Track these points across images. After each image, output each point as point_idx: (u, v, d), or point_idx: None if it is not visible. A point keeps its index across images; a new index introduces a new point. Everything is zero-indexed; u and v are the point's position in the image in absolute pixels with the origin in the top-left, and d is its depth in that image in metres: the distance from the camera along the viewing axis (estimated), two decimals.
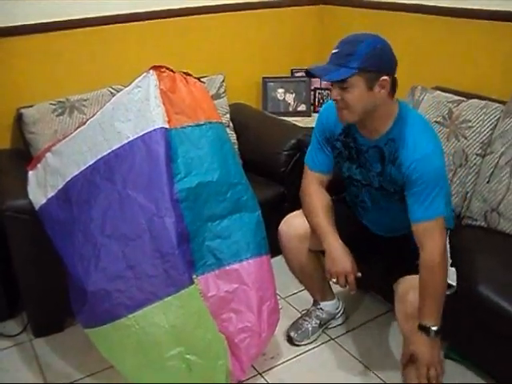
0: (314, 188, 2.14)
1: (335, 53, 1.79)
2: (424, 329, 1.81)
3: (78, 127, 2.32)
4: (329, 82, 1.83)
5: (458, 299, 1.96)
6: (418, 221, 1.84)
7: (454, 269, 1.96)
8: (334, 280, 2.06)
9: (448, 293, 1.91)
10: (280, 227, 2.23)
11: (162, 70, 2.20)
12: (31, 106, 2.65)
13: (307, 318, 2.40)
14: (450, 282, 1.92)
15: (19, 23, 2.67)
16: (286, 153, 2.83)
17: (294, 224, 2.20)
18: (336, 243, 2.04)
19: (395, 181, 1.92)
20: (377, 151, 1.94)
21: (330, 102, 2.07)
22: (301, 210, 2.21)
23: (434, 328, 1.80)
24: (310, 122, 3.21)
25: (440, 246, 1.83)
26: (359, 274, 2.02)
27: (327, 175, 2.15)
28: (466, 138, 2.41)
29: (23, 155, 2.64)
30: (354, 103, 1.79)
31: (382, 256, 2.17)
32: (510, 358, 1.98)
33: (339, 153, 2.08)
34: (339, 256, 2.02)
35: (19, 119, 2.66)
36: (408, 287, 1.91)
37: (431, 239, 1.82)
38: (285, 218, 2.25)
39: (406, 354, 1.88)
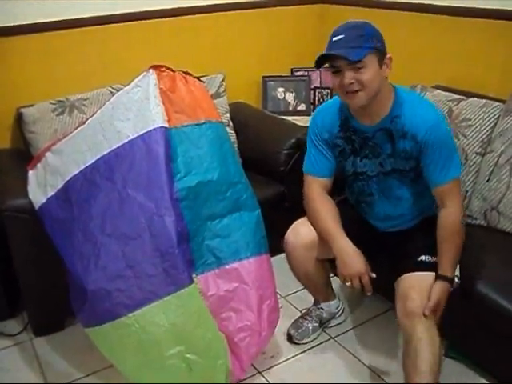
0: (318, 193, 2.12)
1: (341, 39, 1.83)
2: (447, 279, 1.91)
3: (77, 126, 2.32)
4: (351, 61, 1.80)
5: (457, 297, 1.96)
6: (439, 185, 1.95)
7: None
8: (349, 284, 2.02)
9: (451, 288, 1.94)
10: (286, 235, 2.19)
11: (162, 69, 2.20)
12: (31, 106, 2.66)
13: (307, 317, 2.40)
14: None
15: (19, 23, 2.66)
16: (285, 152, 2.84)
17: (300, 233, 2.17)
18: (346, 245, 2.01)
19: (410, 154, 1.96)
20: (384, 132, 1.97)
21: (321, 107, 2.20)
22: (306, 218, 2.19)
23: (457, 280, 1.94)
24: (311, 123, 3.20)
25: (459, 205, 1.97)
26: (373, 275, 2.00)
27: (329, 179, 2.14)
28: (465, 137, 2.41)
29: (23, 155, 2.64)
30: (370, 82, 1.84)
31: (385, 255, 2.17)
32: (509, 357, 1.99)
33: (341, 150, 2.09)
34: (351, 258, 2.00)
35: (19, 119, 2.66)
36: (409, 286, 1.92)
37: (452, 199, 1.95)
38: (292, 226, 2.21)
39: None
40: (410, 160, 1.98)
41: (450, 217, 1.94)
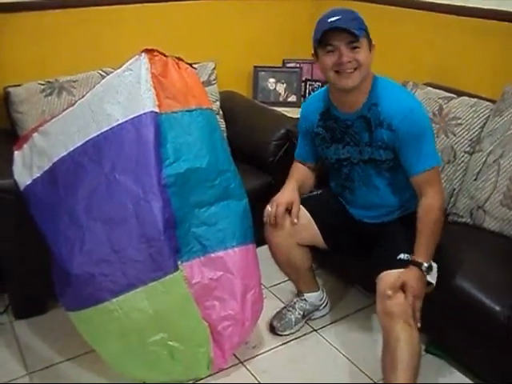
0: (298, 164, 2.31)
1: (338, 19, 1.87)
2: (417, 264, 1.90)
3: (66, 108, 2.28)
4: (354, 35, 1.86)
5: (438, 294, 1.96)
6: (417, 173, 1.95)
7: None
8: (270, 209, 2.13)
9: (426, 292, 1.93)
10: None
11: (154, 53, 2.18)
12: (19, 85, 2.61)
13: (291, 309, 2.40)
14: (429, 279, 1.93)
15: (12, 0, 2.63)
16: (274, 143, 2.83)
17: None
18: (291, 185, 2.19)
19: (387, 144, 1.97)
20: (362, 120, 2.00)
21: (309, 97, 2.37)
22: None
23: (426, 264, 1.90)
24: (299, 112, 3.20)
25: (440, 192, 1.98)
26: (295, 221, 2.12)
27: (312, 163, 2.29)
28: (455, 135, 2.42)
29: (9, 135, 2.60)
30: (365, 62, 1.90)
31: (366, 248, 2.17)
32: (489, 353, 2.01)
33: (322, 138, 2.14)
34: (284, 190, 2.17)
35: (6, 98, 2.62)
36: (388, 284, 1.90)
37: (432, 187, 1.95)
38: None
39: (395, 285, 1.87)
40: (386, 150, 1.99)
41: (428, 207, 1.94)
